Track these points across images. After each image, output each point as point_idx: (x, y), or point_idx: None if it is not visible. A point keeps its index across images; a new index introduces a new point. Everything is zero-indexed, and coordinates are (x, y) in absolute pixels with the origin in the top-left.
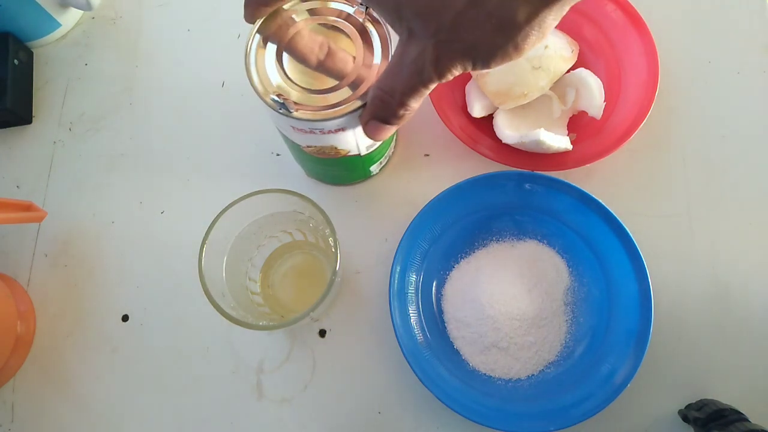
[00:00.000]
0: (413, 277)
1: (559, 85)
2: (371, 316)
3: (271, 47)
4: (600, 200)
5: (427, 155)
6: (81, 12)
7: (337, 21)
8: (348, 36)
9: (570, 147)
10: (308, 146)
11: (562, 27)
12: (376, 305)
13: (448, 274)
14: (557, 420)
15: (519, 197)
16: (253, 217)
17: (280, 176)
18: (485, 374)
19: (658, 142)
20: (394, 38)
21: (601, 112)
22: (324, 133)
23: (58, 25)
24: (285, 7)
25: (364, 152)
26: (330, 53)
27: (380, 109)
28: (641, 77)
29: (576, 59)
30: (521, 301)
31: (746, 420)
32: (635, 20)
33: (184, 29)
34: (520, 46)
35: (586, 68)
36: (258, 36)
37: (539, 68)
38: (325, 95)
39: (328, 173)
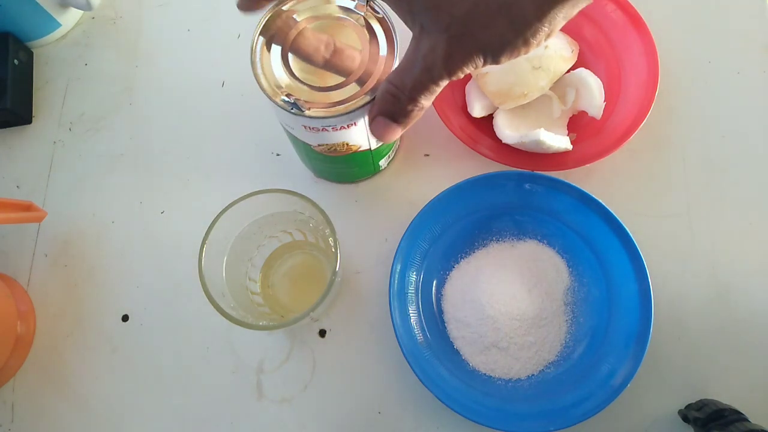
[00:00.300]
0: (413, 277)
1: (559, 85)
2: (371, 316)
3: (276, 48)
4: (600, 200)
5: (427, 155)
6: (81, 12)
7: (339, 17)
8: (352, 30)
9: (570, 147)
10: (319, 145)
11: (562, 27)
12: (376, 305)
13: (448, 274)
14: (557, 420)
15: (519, 197)
16: (253, 217)
17: (280, 176)
18: (485, 374)
19: (658, 142)
20: (399, 30)
21: (601, 112)
22: (336, 130)
23: (58, 25)
24: (285, 7)
25: (374, 146)
26: (336, 51)
27: (390, 104)
28: (641, 77)
29: (576, 59)
30: (521, 301)
31: (746, 420)
32: (635, 20)
33: (184, 29)
34: (529, 42)
35: (586, 68)
36: (261, 39)
37: (539, 68)
38: (334, 92)
39: (338, 171)
